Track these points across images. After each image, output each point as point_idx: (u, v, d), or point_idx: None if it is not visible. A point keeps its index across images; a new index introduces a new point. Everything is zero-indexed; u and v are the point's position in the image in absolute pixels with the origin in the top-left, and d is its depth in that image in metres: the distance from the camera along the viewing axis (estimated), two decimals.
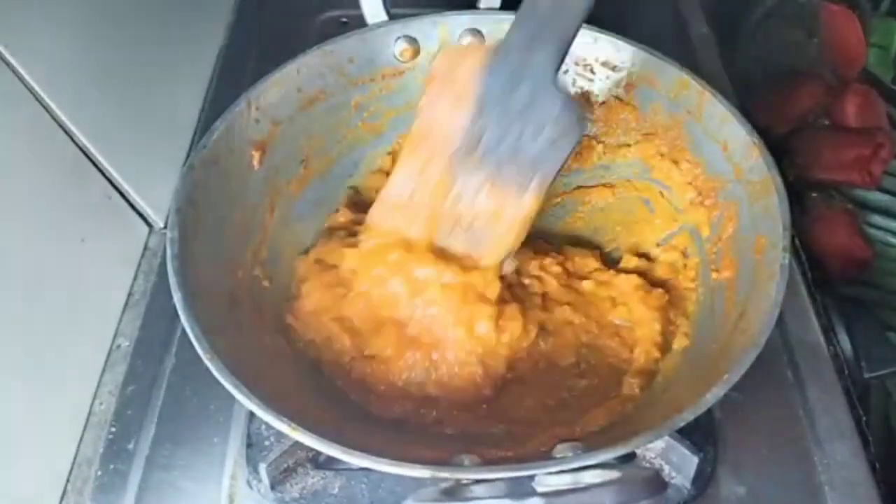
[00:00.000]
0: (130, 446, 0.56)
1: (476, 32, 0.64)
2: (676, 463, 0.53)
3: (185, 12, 0.82)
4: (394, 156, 0.66)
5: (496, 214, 0.53)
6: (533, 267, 0.60)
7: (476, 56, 0.50)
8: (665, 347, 0.56)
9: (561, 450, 0.41)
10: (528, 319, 0.55)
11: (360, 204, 0.64)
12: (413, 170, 0.55)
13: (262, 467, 0.52)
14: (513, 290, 0.58)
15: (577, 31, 0.48)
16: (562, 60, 0.48)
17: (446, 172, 0.53)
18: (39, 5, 0.61)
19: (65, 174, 0.61)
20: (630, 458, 0.53)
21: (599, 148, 0.65)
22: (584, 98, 0.65)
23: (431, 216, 0.54)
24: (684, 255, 0.60)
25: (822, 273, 0.71)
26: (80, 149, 0.62)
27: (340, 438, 0.41)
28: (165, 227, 0.68)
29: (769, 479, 0.54)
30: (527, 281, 0.59)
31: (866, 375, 0.63)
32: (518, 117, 0.49)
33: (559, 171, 0.51)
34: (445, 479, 0.39)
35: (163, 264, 0.64)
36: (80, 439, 0.57)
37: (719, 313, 0.53)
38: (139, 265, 0.67)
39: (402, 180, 0.55)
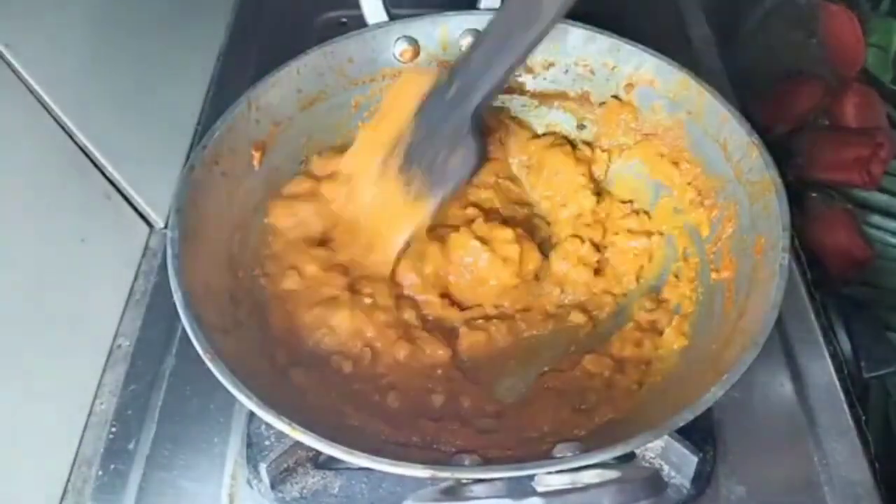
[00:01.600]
0: (130, 446, 0.56)
1: (476, 32, 0.64)
2: (676, 463, 0.53)
3: (185, 12, 0.82)
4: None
5: (390, 211, 0.60)
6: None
7: (427, 81, 0.59)
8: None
9: (560, 450, 0.41)
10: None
11: None
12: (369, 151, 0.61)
13: (263, 467, 0.52)
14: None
15: (502, 82, 0.57)
16: (483, 102, 0.57)
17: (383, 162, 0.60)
18: (40, 5, 0.61)
19: (65, 174, 0.61)
20: (629, 458, 0.53)
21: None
22: (585, 98, 0.65)
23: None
24: (683, 255, 0.60)
25: (822, 273, 0.71)
26: (81, 149, 0.62)
27: (340, 438, 0.41)
28: (166, 227, 0.68)
29: (769, 479, 0.54)
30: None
31: (866, 375, 0.63)
32: (439, 141, 0.58)
33: (448, 192, 0.58)
34: (445, 479, 0.40)
35: (163, 264, 0.64)
36: (80, 439, 0.57)
37: (719, 313, 0.53)
38: (139, 265, 0.67)
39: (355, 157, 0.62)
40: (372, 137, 0.61)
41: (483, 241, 0.60)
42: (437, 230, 0.62)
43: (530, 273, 0.61)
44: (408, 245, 0.60)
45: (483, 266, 0.60)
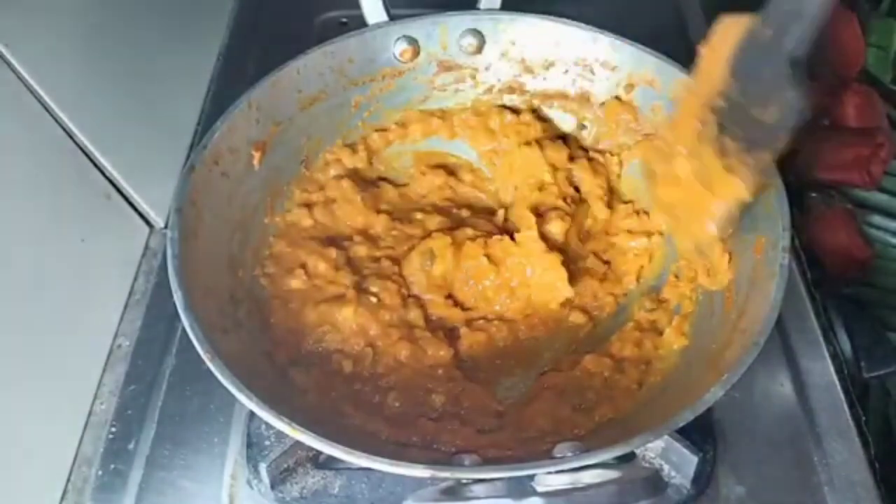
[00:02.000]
0: (130, 446, 0.56)
1: (476, 32, 0.64)
2: (676, 463, 0.53)
3: (185, 12, 0.82)
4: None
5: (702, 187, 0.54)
6: None
7: (740, 28, 0.51)
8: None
9: (561, 449, 0.41)
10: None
11: None
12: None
13: (263, 467, 0.52)
14: None
15: (822, 15, 0.50)
16: (800, 42, 0.49)
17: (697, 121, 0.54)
18: (39, 5, 0.61)
19: (65, 174, 0.61)
20: (630, 457, 0.53)
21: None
22: (585, 98, 0.65)
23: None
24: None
25: (822, 273, 0.71)
26: (81, 148, 0.62)
27: (341, 438, 0.41)
28: (166, 227, 0.68)
29: (769, 479, 0.54)
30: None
31: (866, 375, 0.63)
32: (753, 96, 0.50)
33: (767, 155, 0.51)
34: (445, 479, 0.40)
35: (163, 264, 0.64)
36: (80, 439, 0.57)
37: (719, 313, 0.54)
38: (139, 265, 0.67)
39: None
40: (691, 100, 0.54)
41: (495, 260, 0.59)
42: (464, 230, 0.62)
43: (550, 303, 0.60)
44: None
45: (489, 286, 0.60)
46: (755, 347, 0.44)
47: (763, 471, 0.55)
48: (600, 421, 0.52)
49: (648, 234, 0.63)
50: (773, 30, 0.49)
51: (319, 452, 0.52)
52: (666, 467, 0.53)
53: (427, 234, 0.62)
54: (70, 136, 0.61)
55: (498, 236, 0.60)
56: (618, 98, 0.64)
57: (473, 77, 0.67)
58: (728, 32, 0.52)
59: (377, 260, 0.61)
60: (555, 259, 0.58)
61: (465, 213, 0.65)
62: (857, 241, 0.75)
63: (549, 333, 0.59)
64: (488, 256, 0.59)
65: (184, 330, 0.46)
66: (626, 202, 0.65)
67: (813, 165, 0.77)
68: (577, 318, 0.60)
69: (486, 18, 0.64)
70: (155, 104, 0.72)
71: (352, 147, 0.66)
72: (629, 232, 0.63)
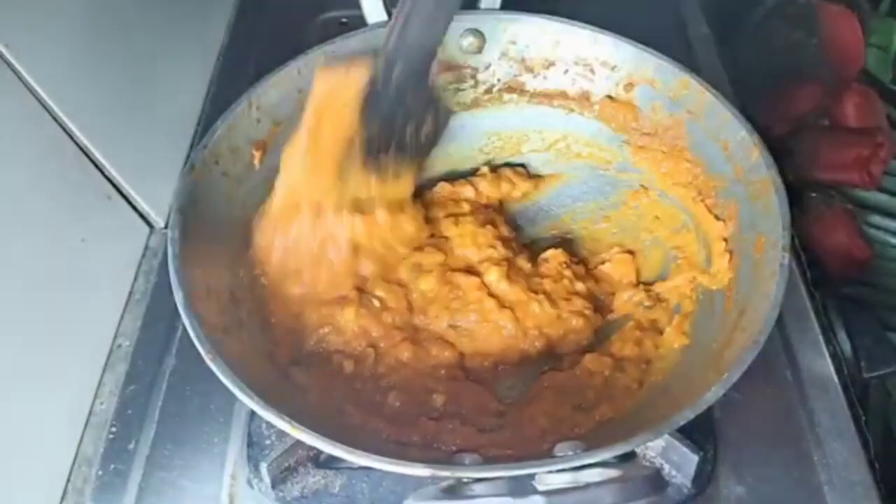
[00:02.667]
0: (131, 446, 0.56)
1: (476, 32, 0.64)
2: (676, 462, 0.53)
3: (185, 12, 0.82)
4: None
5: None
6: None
7: (356, 78, 0.54)
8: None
9: (561, 448, 0.41)
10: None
11: None
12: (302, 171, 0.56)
13: (263, 466, 0.52)
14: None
15: (444, 32, 0.54)
16: (429, 62, 0.55)
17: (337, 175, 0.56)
18: (39, 5, 0.61)
19: (65, 174, 0.61)
20: (630, 456, 0.53)
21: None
22: (585, 98, 0.65)
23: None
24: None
25: (822, 273, 0.71)
26: (81, 148, 0.62)
27: (341, 437, 0.41)
28: (166, 226, 0.68)
29: (769, 479, 0.54)
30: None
31: (866, 375, 0.63)
32: (402, 120, 0.56)
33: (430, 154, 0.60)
34: (446, 478, 0.40)
35: (163, 264, 0.64)
36: (80, 439, 0.57)
37: (719, 312, 0.54)
38: (140, 265, 0.67)
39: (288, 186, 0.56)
40: (316, 159, 0.55)
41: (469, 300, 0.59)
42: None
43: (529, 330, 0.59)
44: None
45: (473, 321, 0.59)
46: (755, 347, 0.44)
47: (763, 471, 0.55)
48: (601, 420, 0.52)
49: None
50: (403, 66, 0.54)
51: (320, 452, 0.52)
52: (666, 466, 0.53)
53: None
54: (70, 136, 0.61)
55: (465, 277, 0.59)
56: (618, 98, 0.64)
57: (474, 77, 0.67)
58: (339, 86, 0.54)
59: None
60: (495, 309, 0.58)
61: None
62: (857, 241, 0.75)
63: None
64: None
65: (184, 330, 0.46)
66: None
67: (813, 165, 0.77)
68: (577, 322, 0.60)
69: (486, 18, 0.64)
70: (155, 104, 0.72)
71: None
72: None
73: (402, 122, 0.56)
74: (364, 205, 0.57)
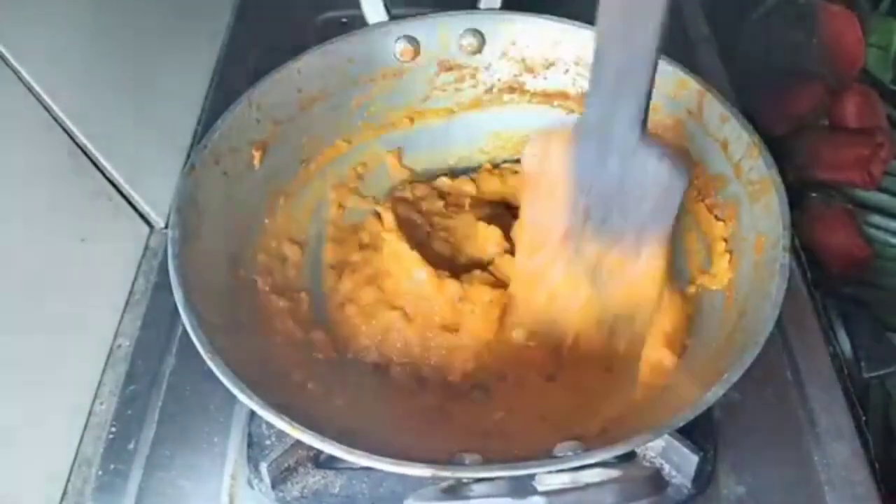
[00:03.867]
0: (130, 446, 0.56)
1: (476, 32, 0.64)
2: (676, 462, 0.53)
3: (185, 12, 0.82)
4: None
5: (627, 287, 0.53)
6: None
7: (561, 142, 0.50)
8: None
9: (561, 448, 0.41)
10: None
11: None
12: (533, 267, 0.55)
13: (263, 466, 0.52)
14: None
15: (651, 80, 0.45)
16: (646, 115, 0.46)
17: (565, 262, 0.53)
18: (39, 5, 0.61)
19: (65, 174, 0.61)
20: (630, 457, 0.53)
21: None
22: (585, 98, 0.65)
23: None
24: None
25: (822, 273, 0.71)
26: (81, 148, 0.62)
27: (341, 437, 0.41)
28: (166, 226, 0.68)
29: (769, 479, 0.54)
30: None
31: (866, 375, 0.63)
32: (617, 190, 0.49)
33: (672, 224, 0.50)
34: (446, 478, 0.40)
35: (163, 264, 0.64)
36: (80, 439, 0.57)
37: (719, 313, 0.53)
38: (140, 265, 0.67)
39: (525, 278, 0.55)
40: (532, 237, 0.53)
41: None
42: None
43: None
44: None
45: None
46: (755, 347, 0.44)
47: (763, 471, 0.55)
48: (601, 420, 0.52)
49: None
50: (598, 125, 0.46)
51: (320, 452, 0.52)
52: (666, 467, 0.53)
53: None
54: (70, 135, 0.61)
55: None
56: None
57: (474, 77, 0.67)
58: (551, 153, 0.50)
59: None
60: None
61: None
62: (857, 241, 0.75)
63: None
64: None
65: (184, 330, 0.46)
66: None
67: (813, 165, 0.77)
68: None
69: (486, 18, 0.64)
70: (155, 104, 0.72)
71: None
72: None
73: (624, 193, 0.49)
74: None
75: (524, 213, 0.54)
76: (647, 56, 0.43)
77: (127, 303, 0.64)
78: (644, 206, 0.48)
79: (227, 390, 0.43)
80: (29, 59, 0.58)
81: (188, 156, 0.58)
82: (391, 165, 0.68)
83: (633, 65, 0.44)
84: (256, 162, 0.59)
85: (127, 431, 0.57)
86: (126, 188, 0.66)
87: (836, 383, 0.59)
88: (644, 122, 0.46)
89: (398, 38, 0.64)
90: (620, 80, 0.44)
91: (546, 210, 0.52)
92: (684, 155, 0.51)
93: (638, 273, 0.52)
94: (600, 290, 0.54)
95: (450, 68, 0.66)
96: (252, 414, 0.55)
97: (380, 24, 0.63)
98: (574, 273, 0.53)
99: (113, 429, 0.57)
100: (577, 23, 0.63)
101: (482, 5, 0.66)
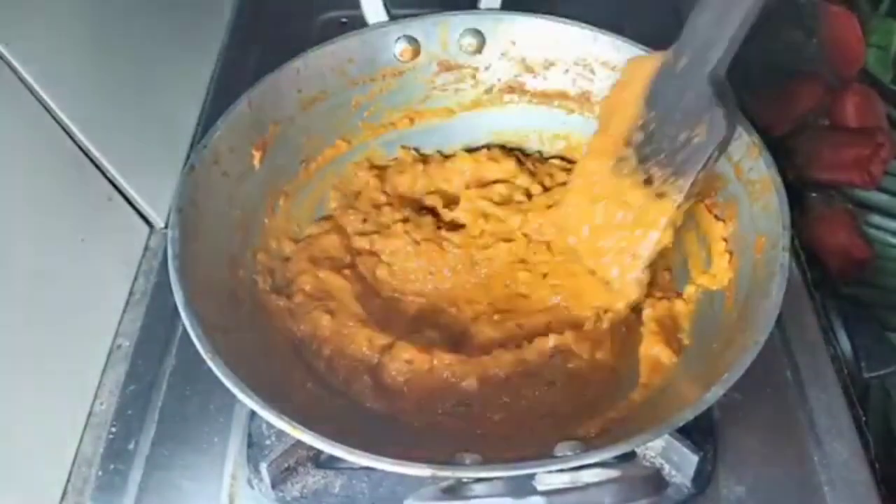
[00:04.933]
0: (130, 446, 0.56)
1: (476, 32, 0.64)
2: (676, 462, 0.53)
3: (185, 12, 0.82)
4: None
5: (638, 219, 0.56)
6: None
7: (652, 63, 0.55)
8: None
9: (561, 448, 0.41)
10: None
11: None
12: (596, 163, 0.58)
13: (263, 466, 0.52)
14: None
15: (742, 27, 0.49)
16: (721, 63, 0.51)
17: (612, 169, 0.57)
18: (39, 5, 0.61)
19: (65, 174, 0.61)
20: (630, 456, 0.53)
21: None
22: (585, 98, 0.65)
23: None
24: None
25: (822, 273, 0.71)
26: (81, 149, 0.62)
27: (341, 437, 0.41)
28: (166, 226, 0.68)
29: (769, 479, 0.54)
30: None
31: (866, 375, 0.63)
32: (679, 121, 0.52)
33: (698, 173, 0.52)
34: (446, 478, 0.40)
35: (163, 264, 0.64)
36: (80, 439, 0.57)
37: (719, 313, 0.54)
38: (140, 265, 0.67)
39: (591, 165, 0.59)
40: (601, 142, 0.57)
41: None
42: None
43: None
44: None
45: None
46: (755, 347, 0.44)
47: (763, 470, 0.55)
48: (601, 420, 0.52)
49: None
50: (689, 58, 0.52)
51: (320, 452, 0.52)
52: (666, 466, 0.53)
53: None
54: (70, 136, 0.61)
55: None
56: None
57: (474, 77, 0.67)
58: (638, 70, 0.56)
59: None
60: None
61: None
62: (857, 241, 0.75)
63: None
64: None
65: (184, 330, 0.46)
66: None
67: (813, 165, 0.77)
68: None
69: (486, 18, 0.64)
70: (155, 104, 0.72)
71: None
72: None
73: (677, 126, 0.52)
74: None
75: (602, 123, 0.58)
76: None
77: (127, 303, 0.64)
78: (686, 137, 0.52)
79: (227, 390, 0.43)
80: (29, 59, 0.58)
81: (188, 156, 0.58)
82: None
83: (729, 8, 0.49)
84: (256, 162, 0.59)
85: (127, 431, 0.57)
86: (126, 188, 0.66)
87: (836, 383, 0.59)
88: (721, 68, 0.51)
89: (398, 39, 0.64)
90: (713, 25, 0.50)
91: (621, 114, 0.56)
92: (741, 121, 0.53)
93: (651, 203, 0.55)
94: (613, 213, 0.57)
95: (450, 68, 0.66)
96: (252, 414, 0.55)
97: (380, 25, 0.63)
98: (606, 185, 0.57)
99: (113, 428, 0.57)
100: (577, 23, 0.63)
101: (482, 5, 0.66)
